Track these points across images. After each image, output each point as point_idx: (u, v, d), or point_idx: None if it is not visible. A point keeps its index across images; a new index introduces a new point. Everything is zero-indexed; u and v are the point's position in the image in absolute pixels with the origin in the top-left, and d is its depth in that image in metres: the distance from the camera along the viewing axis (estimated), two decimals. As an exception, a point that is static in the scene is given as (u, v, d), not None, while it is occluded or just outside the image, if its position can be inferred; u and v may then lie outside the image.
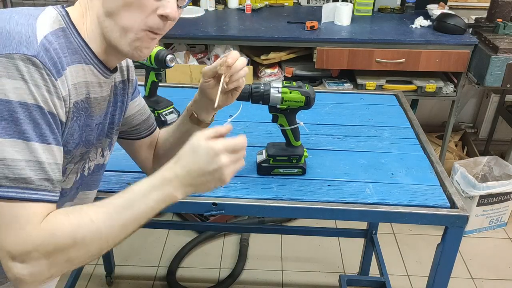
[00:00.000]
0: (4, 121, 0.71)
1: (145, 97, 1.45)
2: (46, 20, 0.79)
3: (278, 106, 1.19)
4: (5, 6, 2.90)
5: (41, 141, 0.74)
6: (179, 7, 0.84)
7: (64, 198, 0.95)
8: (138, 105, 1.12)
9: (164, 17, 0.82)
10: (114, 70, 0.94)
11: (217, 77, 1.00)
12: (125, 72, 1.03)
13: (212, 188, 0.83)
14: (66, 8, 0.85)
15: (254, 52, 2.60)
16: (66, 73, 0.79)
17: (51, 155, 0.76)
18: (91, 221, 0.75)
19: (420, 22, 2.54)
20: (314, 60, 2.43)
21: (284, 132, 1.26)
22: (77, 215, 0.75)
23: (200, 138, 0.81)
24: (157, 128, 1.21)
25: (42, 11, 0.82)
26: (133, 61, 1.09)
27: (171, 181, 0.80)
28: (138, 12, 0.80)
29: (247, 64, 2.53)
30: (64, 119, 0.80)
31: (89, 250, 0.76)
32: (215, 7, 2.80)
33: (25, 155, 0.72)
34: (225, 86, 0.98)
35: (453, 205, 1.19)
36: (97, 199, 1.10)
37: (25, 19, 0.77)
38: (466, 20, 2.47)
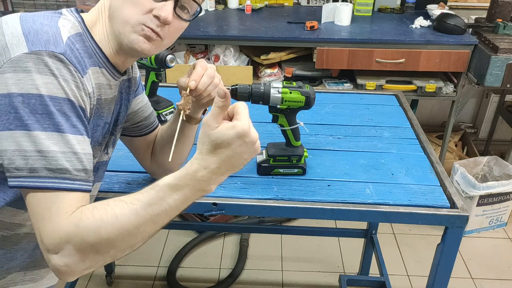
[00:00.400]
0: (39, 115, 0.73)
1: (145, 97, 1.46)
2: (66, 25, 0.83)
3: (278, 106, 1.19)
4: (5, 6, 2.90)
5: (74, 132, 0.77)
6: (180, 18, 0.87)
7: None
8: (141, 102, 1.13)
9: (158, 18, 0.84)
10: (124, 72, 0.97)
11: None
12: (130, 70, 1.04)
13: (247, 161, 0.79)
14: (81, 14, 0.88)
15: (254, 52, 2.60)
16: (89, 72, 0.84)
17: (85, 146, 0.78)
18: (115, 218, 0.74)
19: (420, 22, 2.54)
20: (314, 60, 2.43)
21: (284, 132, 1.26)
22: (102, 210, 0.75)
23: (220, 129, 0.74)
24: (159, 125, 1.21)
25: (61, 15, 0.85)
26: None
27: (203, 177, 0.76)
28: (135, 9, 0.83)
29: (247, 64, 2.54)
30: (89, 115, 0.84)
31: (117, 245, 0.76)
32: (215, 7, 2.80)
33: (60, 146, 0.75)
34: (184, 119, 0.95)
35: (453, 205, 1.19)
36: (97, 199, 1.10)
37: (48, 21, 0.81)
38: (466, 20, 2.47)
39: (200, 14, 3.01)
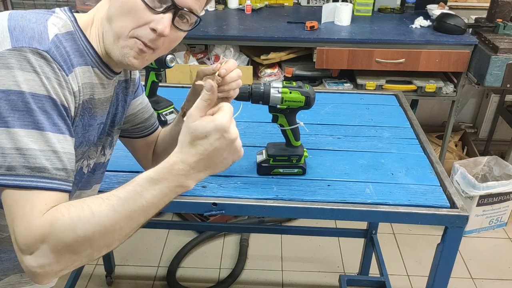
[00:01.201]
0: (19, 112, 0.72)
1: (145, 97, 1.46)
2: (57, 22, 0.82)
3: (278, 106, 1.19)
4: (5, 6, 2.90)
5: (55, 131, 0.75)
6: (179, 29, 0.85)
7: None
8: (140, 104, 1.12)
9: (155, 31, 0.82)
10: (119, 71, 0.96)
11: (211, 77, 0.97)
12: (128, 71, 1.04)
13: (229, 164, 0.79)
14: (75, 14, 0.87)
15: (254, 52, 2.60)
16: (76, 71, 0.82)
17: (66, 145, 0.77)
18: (92, 214, 0.72)
19: (420, 22, 2.54)
20: (314, 60, 2.43)
21: (284, 132, 1.26)
22: (78, 207, 0.72)
23: (199, 120, 0.75)
24: (159, 127, 1.21)
25: (53, 13, 0.84)
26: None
27: (180, 170, 0.75)
28: (132, 21, 0.81)
29: (247, 64, 2.54)
30: (73, 114, 0.82)
31: (94, 244, 0.73)
32: (215, 7, 2.80)
33: (40, 144, 0.73)
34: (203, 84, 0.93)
35: (453, 205, 1.19)
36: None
37: (37, 18, 0.80)
38: (466, 20, 2.47)
39: (201, 14, 3.00)
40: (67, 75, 0.78)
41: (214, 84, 0.75)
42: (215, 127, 0.73)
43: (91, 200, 0.74)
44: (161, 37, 0.83)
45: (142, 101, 1.13)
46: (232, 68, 0.94)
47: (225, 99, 0.98)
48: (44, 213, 0.72)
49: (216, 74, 0.92)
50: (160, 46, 0.85)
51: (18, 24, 0.76)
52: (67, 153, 0.77)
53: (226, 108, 0.76)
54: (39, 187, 0.73)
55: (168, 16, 0.81)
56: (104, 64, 0.89)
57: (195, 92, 1.04)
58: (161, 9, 0.81)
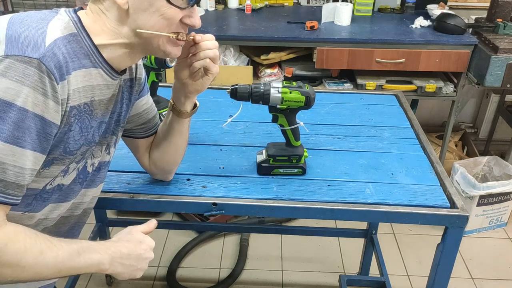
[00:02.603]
0: None
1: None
2: (58, 25, 0.81)
3: (278, 106, 1.19)
4: (5, 6, 2.90)
5: (11, 142, 0.75)
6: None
7: (68, 195, 0.96)
8: (145, 104, 1.12)
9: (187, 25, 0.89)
10: (123, 72, 0.96)
11: (188, 57, 1.00)
12: (134, 70, 1.03)
13: (132, 273, 0.95)
14: (78, 13, 0.86)
15: (254, 52, 2.60)
16: (70, 78, 0.81)
17: (17, 158, 0.76)
18: (40, 253, 0.79)
19: (420, 22, 2.54)
20: (314, 60, 2.43)
21: (284, 132, 1.26)
22: (33, 240, 0.80)
23: (135, 229, 0.97)
24: None
25: (55, 15, 0.83)
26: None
27: (108, 249, 0.90)
28: (166, 22, 0.86)
29: (247, 64, 2.54)
30: (58, 122, 0.81)
31: (21, 275, 0.79)
32: (215, 7, 2.80)
33: None
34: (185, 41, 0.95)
35: (453, 205, 1.19)
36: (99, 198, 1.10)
37: (36, 23, 0.79)
38: (466, 20, 2.47)
39: (200, 14, 2.98)
40: (57, 84, 0.77)
41: (155, 224, 1.02)
42: (139, 237, 0.97)
43: (44, 239, 0.82)
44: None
45: (147, 101, 1.13)
46: (207, 38, 1.00)
47: (207, 72, 1.02)
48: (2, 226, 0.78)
49: (190, 37, 0.96)
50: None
51: (16, 31, 0.76)
52: (17, 167, 0.77)
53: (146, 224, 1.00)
54: None
55: (196, 8, 0.90)
56: (108, 65, 0.89)
57: (176, 76, 1.05)
58: (190, 3, 0.87)
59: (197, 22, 0.90)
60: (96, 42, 0.86)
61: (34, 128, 0.77)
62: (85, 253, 0.85)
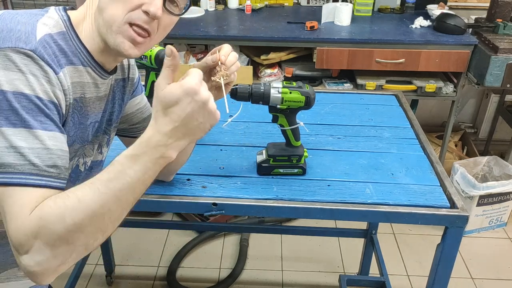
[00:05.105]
0: (5, 111, 0.72)
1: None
2: (47, 23, 0.82)
3: (278, 106, 1.19)
4: (5, 6, 2.90)
5: (43, 128, 0.75)
6: (170, 12, 0.84)
7: None
8: (138, 104, 1.12)
9: (147, 14, 0.81)
10: (113, 71, 0.95)
11: (207, 72, 0.96)
12: (126, 71, 1.03)
13: (208, 128, 0.79)
14: (68, 12, 0.86)
15: (254, 52, 2.60)
16: (64, 71, 0.82)
17: (56, 142, 0.76)
18: (78, 201, 0.72)
19: (420, 22, 2.54)
20: (314, 60, 2.43)
21: (284, 132, 1.26)
22: (64, 197, 0.73)
23: (167, 88, 0.75)
24: None
25: (45, 13, 0.84)
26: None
27: (158, 142, 0.75)
28: (122, 6, 0.80)
29: (247, 64, 2.54)
30: (64, 112, 0.82)
31: (86, 231, 0.73)
32: (215, 7, 2.80)
33: (28, 142, 0.73)
34: (221, 83, 0.93)
35: (453, 205, 1.19)
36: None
37: (27, 19, 0.80)
38: (466, 20, 2.47)
39: (201, 14, 2.98)
40: (56, 73, 0.78)
41: (173, 49, 0.76)
42: (184, 91, 0.73)
43: (76, 188, 0.74)
44: (154, 20, 0.82)
45: (140, 101, 1.13)
46: (229, 52, 0.95)
47: (227, 85, 0.98)
48: (33, 209, 0.71)
49: (219, 63, 0.92)
50: (154, 30, 0.84)
51: (7, 26, 0.77)
52: (58, 150, 0.77)
53: (194, 72, 0.76)
54: (28, 184, 0.73)
55: None
56: (97, 64, 0.89)
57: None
58: None
59: (157, 12, 0.81)
60: (82, 39, 0.85)
61: (54, 112, 0.77)
62: (129, 167, 0.75)
